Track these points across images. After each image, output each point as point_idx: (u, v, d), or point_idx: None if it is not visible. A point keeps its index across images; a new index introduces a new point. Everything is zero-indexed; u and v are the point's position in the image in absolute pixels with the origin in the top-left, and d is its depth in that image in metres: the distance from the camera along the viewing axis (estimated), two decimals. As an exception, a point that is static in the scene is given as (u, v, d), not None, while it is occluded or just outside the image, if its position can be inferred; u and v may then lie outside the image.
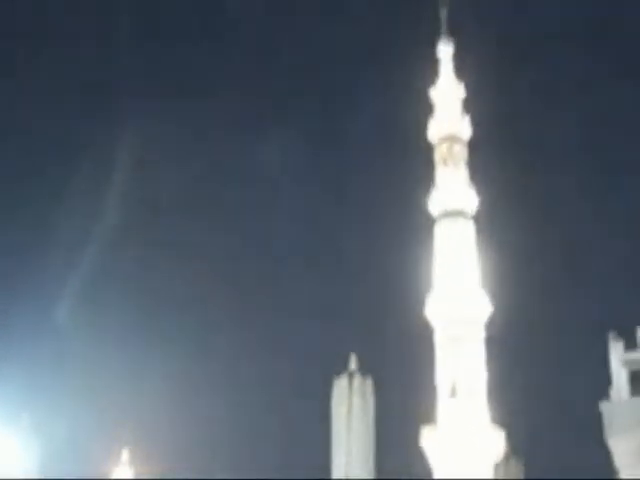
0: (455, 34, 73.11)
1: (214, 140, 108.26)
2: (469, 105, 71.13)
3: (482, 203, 67.67)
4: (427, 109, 69.94)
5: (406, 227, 75.03)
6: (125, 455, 75.94)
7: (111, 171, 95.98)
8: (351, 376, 58.06)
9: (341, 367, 59.58)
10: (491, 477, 59.85)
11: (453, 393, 68.74)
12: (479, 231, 67.54)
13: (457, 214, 66.34)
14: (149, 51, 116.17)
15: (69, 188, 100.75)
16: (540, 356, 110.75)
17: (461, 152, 67.85)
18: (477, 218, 67.70)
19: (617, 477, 29.01)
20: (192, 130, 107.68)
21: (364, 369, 58.92)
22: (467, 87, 71.10)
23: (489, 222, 68.21)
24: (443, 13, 73.24)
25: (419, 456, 65.43)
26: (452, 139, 67.67)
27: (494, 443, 65.11)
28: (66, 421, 76.55)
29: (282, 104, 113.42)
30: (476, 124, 70.15)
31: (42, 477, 65.59)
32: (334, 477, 54.89)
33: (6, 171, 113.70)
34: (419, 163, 70.30)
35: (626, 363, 30.51)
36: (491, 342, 71.15)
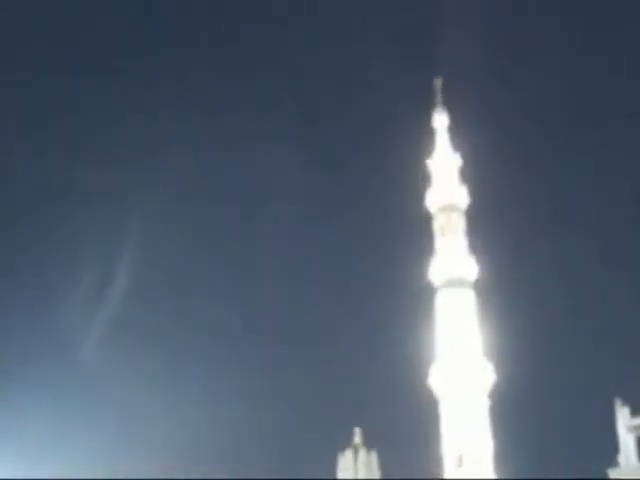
0: (451, 103, 73.98)
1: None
2: (466, 174, 71.71)
3: (482, 271, 67.83)
4: (425, 179, 70.51)
5: (407, 297, 74.91)
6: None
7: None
8: (356, 450, 57.51)
9: (345, 441, 59.02)
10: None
11: (460, 463, 68.38)
12: (480, 299, 67.55)
13: (458, 283, 66.41)
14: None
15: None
16: (545, 423, 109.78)
17: (459, 221, 68.24)
18: (477, 286, 67.71)
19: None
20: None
21: (369, 443, 58.32)
22: (464, 156, 71.73)
23: (490, 290, 68.25)
24: (437, 83, 74.23)
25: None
26: (450, 208, 68.10)
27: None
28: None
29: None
30: (474, 193, 70.64)
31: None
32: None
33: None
34: (418, 232, 70.58)
35: (633, 429, 30.14)
36: (496, 410, 70.74)
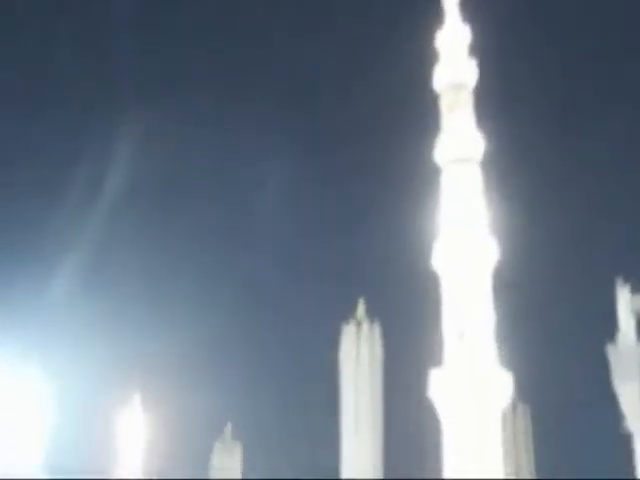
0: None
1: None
2: (475, 49, 70.51)
3: (490, 148, 67.48)
4: (432, 55, 69.34)
5: (412, 176, 74.96)
6: (136, 399, 76.52)
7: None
8: (359, 323, 58.46)
9: (349, 314, 59.94)
10: (499, 424, 60.51)
11: (461, 337, 69.37)
12: (487, 178, 67.44)
13: (464, 160, 66.13)
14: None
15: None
16: (548, 301, 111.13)
17: (468, 98, 67.42)
18: (485, 163, 67.50)
19: (624, 423, 29.35)
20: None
21: (372, 316, 59.29)
22: (473, 29, 70.34)
23: (497, 168, 68.10)
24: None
25: (426, 401, 66.14)
26: (458, 86, 67.24)
27: (502, 387, 65.71)
28: (77, 365, 77.15)
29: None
30: (483, 68, 69.64)
31: (52, 417, 65.94)
32: (344, 422, 55.65)
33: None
34: (424, 112, 69.96)
35: (633, 308, 30.59)
36: (499, 288, 71.47)
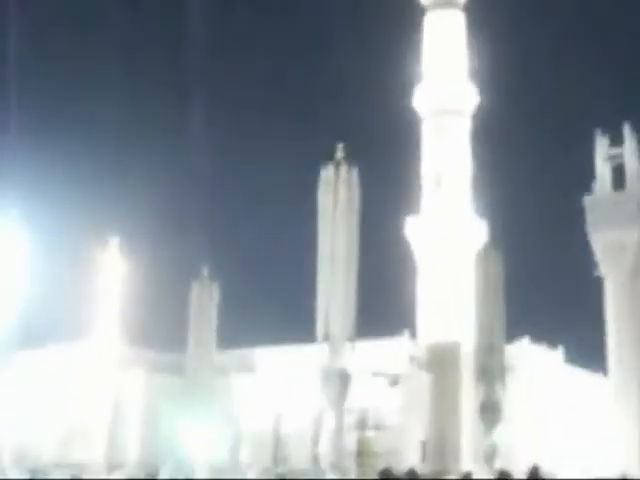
0: None
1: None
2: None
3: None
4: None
5: (396, 18, 73.82)
6: (114, 244, 76.90)
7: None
8: (337, 165, 58.05)
9: (326, 157, 59.52)
10: (471, 267, 61.57)
11: (438, 182, 69.67)
12: (470, 23, 66.48)
13: (448, 3, 65.09)
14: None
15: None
16: (527, 151, 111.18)
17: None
18: (468, 8, 66.41)
19: (596, 271, 29.93)
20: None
21: (351, 160, 58.96)
22: None
23: (480, 13, 67.14)
24: None
25: (402, 246, 67.38)
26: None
27: (476, 233, 66.76)
28: (54, 211, 77.15)
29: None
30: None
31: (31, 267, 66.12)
32: (320, 265, 56.12)
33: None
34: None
35: (610, 158, 30.85)
36: (477, 134, 71.61)
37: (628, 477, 14.25)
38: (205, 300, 61.99)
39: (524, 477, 23.63)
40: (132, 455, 65.63)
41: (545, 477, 24.45)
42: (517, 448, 67.92)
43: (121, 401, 69.85)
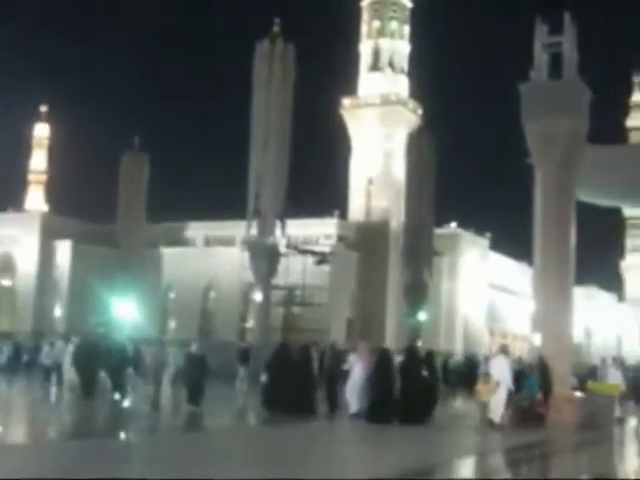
0: None
1: None
2: None
3: None
4: None
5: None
6: (43, 110, 75.31)
7: None
8: (274, 40, 57.02)
9: (263, 32, 58.40)
10: (404, 148, 61.82)
11: (375, 66, 69.48)
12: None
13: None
14: None
15: None
16: (464, 36, 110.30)
17: None
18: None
19: (528, 159, 30.15)
20: None
21: (288, 36, 57.94)
22: None
23: None
24: None
25: (336, 125, 67.07)
26: None
27: (410, 115, 66.88)
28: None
29: None
30: None
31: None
32: (253, 139, 55.67)
33: None
34: None
35: (548, 46, 30.76)
36: (416, 16, 70.90)
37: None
38: (135, 172, 61.32)
39: (405, 354, 24.45)
40: (59, 325, 65.72)
41: (420, 355, 25.36)
42: (440, 329, 69.76)
43: (47, 270, 69.51)
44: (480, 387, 24.12)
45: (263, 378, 25.22)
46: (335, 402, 24.24)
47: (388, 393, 23.08)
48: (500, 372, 23.06)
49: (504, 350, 24.42)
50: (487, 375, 23.94)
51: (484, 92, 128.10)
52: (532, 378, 24.09)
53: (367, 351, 24.88)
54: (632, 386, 30.99)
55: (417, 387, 23.34)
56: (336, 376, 24.50)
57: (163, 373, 25.01)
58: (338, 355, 25.14)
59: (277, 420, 22.79)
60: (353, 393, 23.78)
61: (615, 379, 26.94)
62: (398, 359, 24.71)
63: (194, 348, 25.38)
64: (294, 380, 24.50)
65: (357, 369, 24.01)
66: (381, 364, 23.56)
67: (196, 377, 24.27)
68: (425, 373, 23.87)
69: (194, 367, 24.42)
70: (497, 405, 22.87)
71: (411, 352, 24.90)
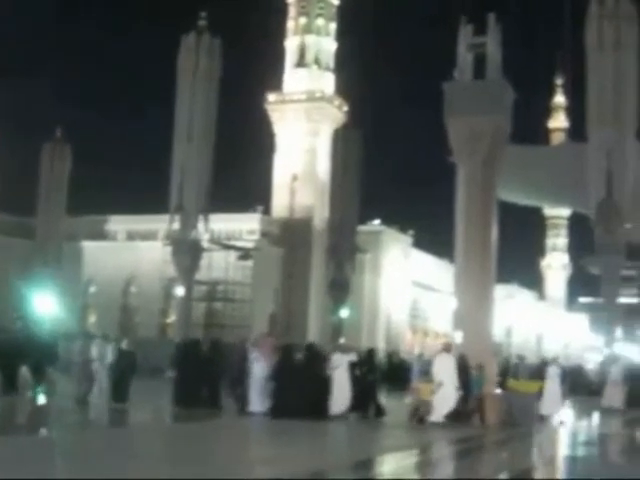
0: None
1: None
2: None
3: None
4: None
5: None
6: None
7: None
8: (200, 34, 56.66)
9: (189, 25, 57.95)
10: (330, 144, 61.87)
11: (301, 63, 69.26)
12: None
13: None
14: None
15: None
16: (391, 33, 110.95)
17: None
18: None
19: (451, 158, 30.38)
20: None
21: (214, 29, 57.58)
22: None
23: None
24: None
25: (261, 120, 66.86)
26: None
27: (335, 112, 66.96)
28: None
29: None
30: None
31: None
32: (177, 131, 55.26)
33: None
34: None
35: (472, 47, 31.01)
36: (343, 12, 70.87)
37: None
38: (57, 163, 60.45)
39: (304, 352, 24.28)
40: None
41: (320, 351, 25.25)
42: (362, 325, 70.01)
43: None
44: (421, 386, 23.96)
45: (170, 374, 24.95)
46: (240, 399, 23.88)
47: (290, 390, 22.94)
48: (444, 371, 22.67)
49: (448, 348, 23.89)
50: (428, 374, 23.84)
51: (410, 90, 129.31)
52: (476, 376, 24.08)
53: (270, 347, 24.60)
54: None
55: (315, 384, 23.21)
56: (241, 372, 24.11)
57: (91, 368, 24.48)
58: (244, 351, 24.76)
59: (185, 417, 22.54)
60: (254, 390, 23.39)
61: (555, 378, 27.37)
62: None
63: (124, 344, 24.98)
64: (202, 376, 24.38)
65: (258, 366, 23.58)
66: (283, 361, 23.48)
67: (124, 373, 23.87)
68: (357, 372, 23.63)
69: (123, 363, 24.05)
70: (442, 405, 22.48)
71: (310, 349, 24.77)
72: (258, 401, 23.37)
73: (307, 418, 21.75)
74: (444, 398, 22.54)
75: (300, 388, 22.98)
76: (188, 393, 24.24)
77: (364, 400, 23.45)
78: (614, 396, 32.67)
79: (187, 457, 14.97)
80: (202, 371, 24.44)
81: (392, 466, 16.28)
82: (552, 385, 27.12)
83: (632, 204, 45.48)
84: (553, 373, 27.27)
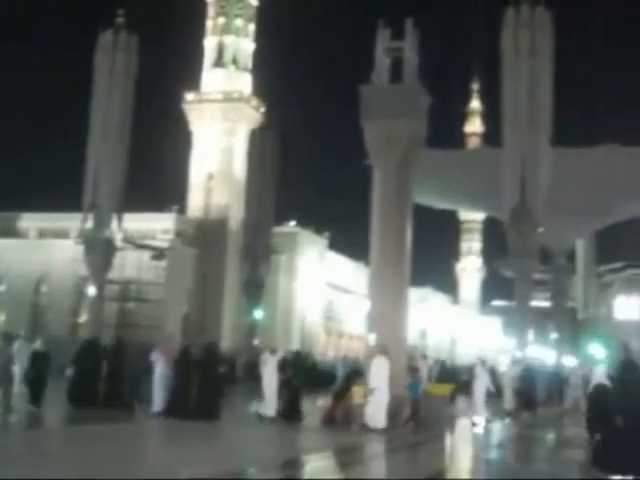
0: None
1: None
2: None
3: None
4: None
5: None
6: None
7: None
8: (117, 31, 55.92)
9: (107, 22, 57.10)
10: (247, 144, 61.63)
11: (218, 63, 68.99)
12: None
13: None
14: None
15: None
16: (310, 36, 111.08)
17: None
18: None
19: (367, 160, 30.48)
20: None
21: (132, 27, 56.86)
22: None
23: None
24: None
25: (180, 119, 66.33)
26: None
27: (252, 113, 66.81)
28: None
29: None
30: None
31: None
32: (92, 130, 54.36)
33: None
34: None
35: (389, 51, 31.13)
36: (262, 13, 70.70)
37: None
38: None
39: (202, 352, 24.17)
40: None
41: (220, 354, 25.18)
42: (277, 327, 69.94)
43: None
44: (355, 389, 23.54)
45: (68, 373, 24.48)
46: (143, 399, 23.58)
47: (186, 390, 22.84)
48: (379, 375, 22.42)
49: (384, 351, 23.28)
50: (360, 376, 23.66)
51: (328, 92, 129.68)
52: (412, 381, 23.96)
53: (171, 347, 24.39)
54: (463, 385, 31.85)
55: (213, 384, 23.03)
56: (143, 372, 23.80)
57: (11, 369, 23.71)
58: (147, 350, 24.44)
59: (81, 418, 21.86)
60: (158, 390, 23.13)
61: (483, 381, 27.57)
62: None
63: (38, 344, 24.32)
64: (99, 374, 24.03)
65: (158, 366, 23.32)
66: (180, 362, 23.34)
67: (39, 375, 23.22)
68: (283, 377, 23.35)
69: (39, 364, 23.39)
70: (377, 410, 22.16)
71: (209, 350, 24.57)
72: (160, 401, 23.23)
73: (197, 419, 21.68)
74: (377, 403, 22.29)
75: (195, 388, 22.94)
76: (83, 391, 23.78)
77: (292, 405, 23.34)
78: (511, 399, 33.05)
79: (107, 459, 14.72)
80: (100, 370, 24.21)
81: (310, 466, 16.36)
82: (480, 385, 27.48)
83: (545, 208, 46.21)
84: (480, 373, 27.59)
